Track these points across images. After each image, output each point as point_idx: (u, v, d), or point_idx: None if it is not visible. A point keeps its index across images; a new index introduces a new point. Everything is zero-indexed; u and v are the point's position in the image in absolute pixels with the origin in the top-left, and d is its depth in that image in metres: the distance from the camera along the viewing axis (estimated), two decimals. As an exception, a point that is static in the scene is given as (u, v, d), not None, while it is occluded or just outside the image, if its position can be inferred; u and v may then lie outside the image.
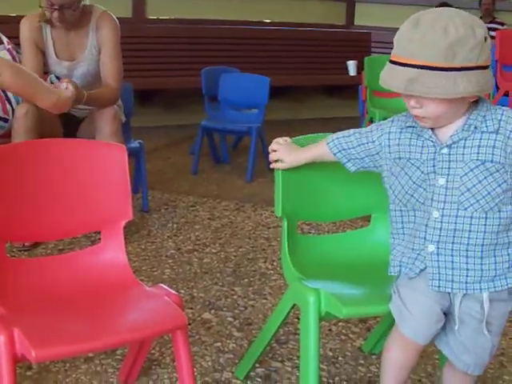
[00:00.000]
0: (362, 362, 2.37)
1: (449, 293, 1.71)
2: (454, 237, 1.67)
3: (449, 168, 1.66)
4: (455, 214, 1.66)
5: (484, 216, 1.65)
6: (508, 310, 1.75)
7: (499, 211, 1.65)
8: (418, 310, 1.70)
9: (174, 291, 1.84)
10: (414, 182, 1.72)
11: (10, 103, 3.53)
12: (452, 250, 1.68)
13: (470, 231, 1.66)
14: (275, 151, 1.96)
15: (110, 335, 1.65)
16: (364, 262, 2.09)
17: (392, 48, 1.63)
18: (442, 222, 1.67)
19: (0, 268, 1.88)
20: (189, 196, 4.30)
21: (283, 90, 6.70)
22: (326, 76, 7.36)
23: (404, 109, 1.71)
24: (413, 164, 1.72)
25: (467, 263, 1.68)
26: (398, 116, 1.78)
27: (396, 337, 1.75)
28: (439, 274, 1.69)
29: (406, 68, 1.58)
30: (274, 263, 3.22)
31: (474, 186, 1.64)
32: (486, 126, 1.64)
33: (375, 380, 2.24)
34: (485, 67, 1.59)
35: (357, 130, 1.87)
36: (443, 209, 1.67)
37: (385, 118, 1.85)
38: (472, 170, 1.64)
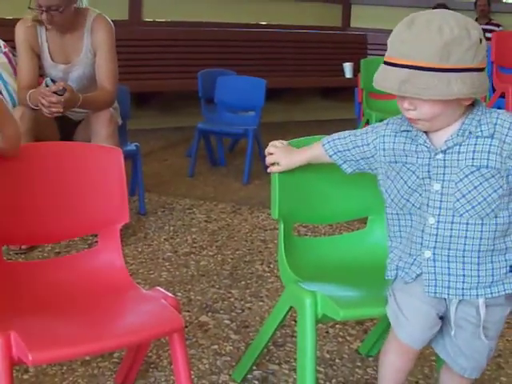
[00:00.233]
0: (359, 364, 2.37)
1: (445, 298, 1.70)
2: (450, 243, 1.65)
3: (444, 174, 1.64)
4: (451, 221, 1.64)
5: (480, 222, 1.63)
6: (505, 314, 1.74)
7: (496, 217, 1.63)
8: (413, 316, 1.68)
9: (170, 294, 1.83)
10: (410, 187, 1.70)
11: (6, 106, 3.52)
12: (448, 256, 1.66)
13: (466, 237, 1.64)
14: (272, 154, 1.96)
15: (107, 338, 1.65)
16: (361, 264, 2.09)
17: (388, 50, 1.63)
18: (437, 229, 1.66)
19: (-4, 271, 1.88)
20: (185, 198, 4.29)
21: (279, 92, 6.70)
22: (322, 78, 7.37)
23: (400, 111, 1.70)
24: (408, 168, 1.70)
25: (464, 269, 1.66)
26: (394, 118, 1.77)
27: (392, 341, 1.75)
28: (435, 280, 1.67)
29: (398, 68, 1.56)
30: (271, 265, 3.21)
31: (470, 192, 1.61)
32: (481, 131, 1.61)
33: (372, 382, 2.24)
34: (480, 69, 1.57)
35: (352, 131, 1.85)
36: (439, 215, 1.65)
37: (381, 121, 1.85)
38: (467, 176, 1.62)
